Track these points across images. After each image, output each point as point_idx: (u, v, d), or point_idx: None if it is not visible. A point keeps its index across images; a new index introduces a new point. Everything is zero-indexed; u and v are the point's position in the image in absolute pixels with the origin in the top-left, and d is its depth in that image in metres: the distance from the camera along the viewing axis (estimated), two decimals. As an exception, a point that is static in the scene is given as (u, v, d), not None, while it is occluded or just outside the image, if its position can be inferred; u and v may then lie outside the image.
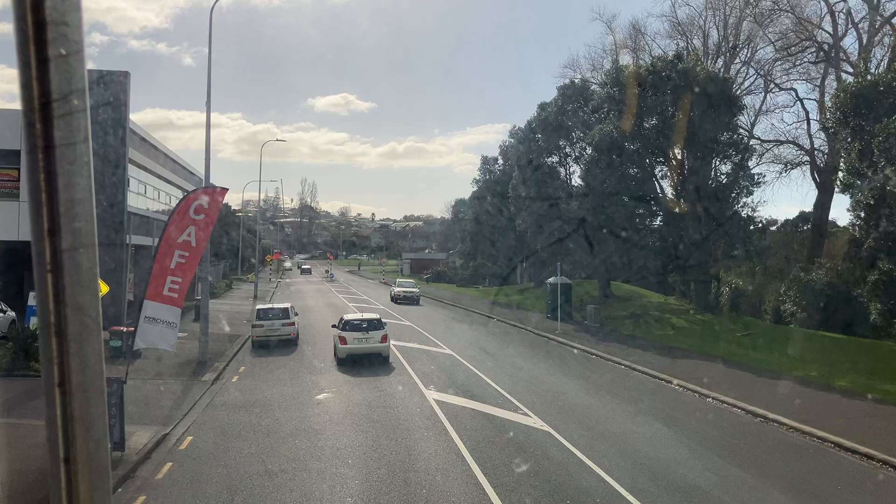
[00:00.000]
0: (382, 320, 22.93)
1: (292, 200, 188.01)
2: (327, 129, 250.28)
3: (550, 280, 38.48)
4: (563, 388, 19.02)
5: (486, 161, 59.23)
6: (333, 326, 23.10)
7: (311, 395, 17.69)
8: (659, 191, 33.99)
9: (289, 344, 26.18)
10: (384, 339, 21.91)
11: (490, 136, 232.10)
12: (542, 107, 40.65)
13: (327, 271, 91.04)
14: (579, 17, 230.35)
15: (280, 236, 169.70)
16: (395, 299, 48.90)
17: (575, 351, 26.91)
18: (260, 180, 72.72)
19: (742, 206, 32.55)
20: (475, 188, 59.33)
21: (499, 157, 57.97)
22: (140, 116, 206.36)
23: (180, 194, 43.19)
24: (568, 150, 40.23)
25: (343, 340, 21.52)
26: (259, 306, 27.35)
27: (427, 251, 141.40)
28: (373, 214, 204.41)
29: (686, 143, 30.95)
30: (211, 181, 21.43)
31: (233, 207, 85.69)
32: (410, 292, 49.57)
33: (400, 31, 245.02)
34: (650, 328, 32.49)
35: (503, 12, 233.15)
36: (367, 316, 22.95)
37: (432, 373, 20.86)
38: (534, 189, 40.34)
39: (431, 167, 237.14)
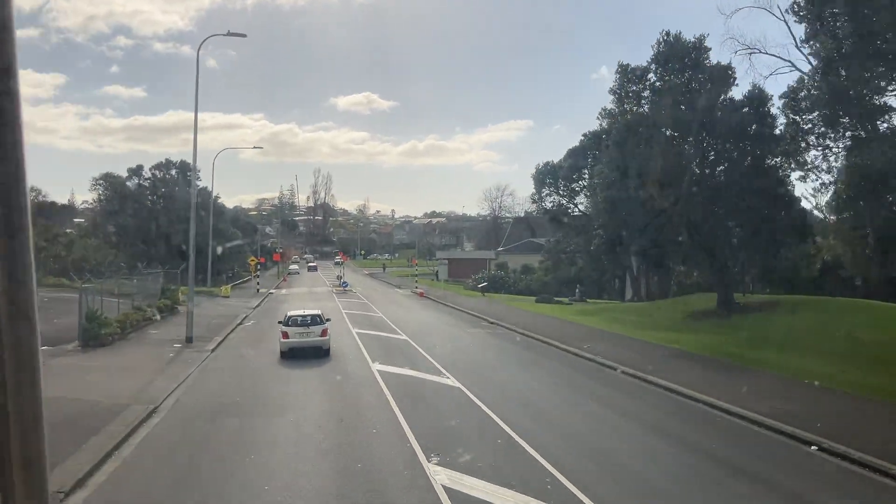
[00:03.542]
0: (324, 317, 23.41)
1: (308, 199, 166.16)
2: (348, 128, 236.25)
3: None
4: None
5: (625, 75, 29.81)
6: (279, 322, 23.60)
7: None
8: None
9: None
10: (324, 332, 22.60)
11: (511, 132, 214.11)
12: None
13: (339, 277, 64.22)
14: (601, 16, 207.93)
15: (292, 235, 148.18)
16: None
17: None
18: (196, 94, 26.38)
19: None
20: (600, 124, 31.36)
21: (652, 67, 29.63)
22: (162, 119, 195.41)
23: None
24: None
25: (285, 335, 22.30)
26: None
27: (459, 249, 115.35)
28: (392, 211, 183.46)
29: None
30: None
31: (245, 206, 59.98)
32: None
33: (423, 30, 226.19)
34: None
35: (525, 9, 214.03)
36: (309, 312, 23.74)
37: None
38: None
39: (451, 164, 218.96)
